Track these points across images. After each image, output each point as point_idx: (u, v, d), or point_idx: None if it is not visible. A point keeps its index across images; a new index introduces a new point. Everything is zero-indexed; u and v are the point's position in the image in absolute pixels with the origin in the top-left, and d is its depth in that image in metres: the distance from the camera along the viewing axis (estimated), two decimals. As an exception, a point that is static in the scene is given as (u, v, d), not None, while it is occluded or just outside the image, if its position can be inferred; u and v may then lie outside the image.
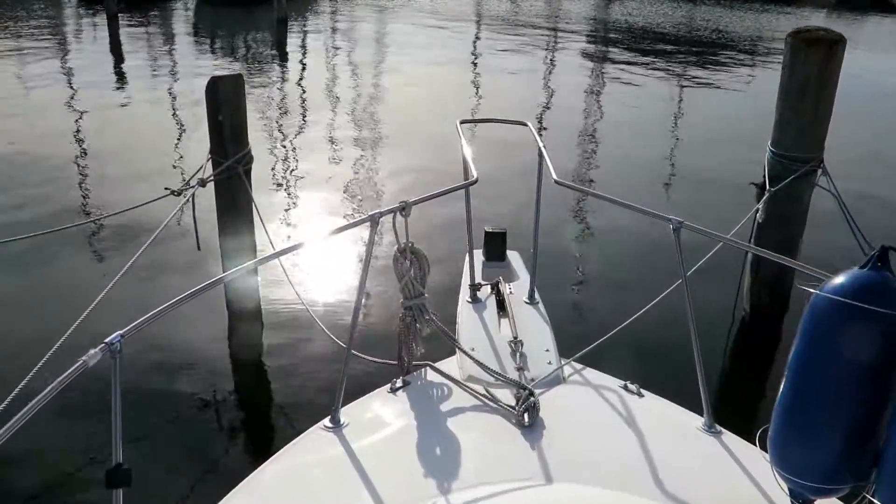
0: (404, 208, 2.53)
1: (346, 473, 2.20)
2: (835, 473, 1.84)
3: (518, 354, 2.77)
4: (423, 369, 2.75)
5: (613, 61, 18.16)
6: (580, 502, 2.08)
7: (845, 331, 1.77)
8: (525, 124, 3.50)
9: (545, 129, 11.21)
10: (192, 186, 4.91)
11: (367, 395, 2.62)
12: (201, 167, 4.99)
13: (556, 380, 2.70)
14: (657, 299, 3.63)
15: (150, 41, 18.91)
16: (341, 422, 2.45)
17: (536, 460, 2.25)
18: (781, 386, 2.07)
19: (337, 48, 19.36)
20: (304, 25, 23.07)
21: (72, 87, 13.44)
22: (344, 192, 8.42)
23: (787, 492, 1.90)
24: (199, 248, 5.51)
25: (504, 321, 3.02)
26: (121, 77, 14.65)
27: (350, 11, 26.92)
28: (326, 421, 2.46)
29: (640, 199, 7.65)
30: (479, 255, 3.52)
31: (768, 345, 5.61)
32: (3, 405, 2.05)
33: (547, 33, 22.84)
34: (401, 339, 2.72)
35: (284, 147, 10.25)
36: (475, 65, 16.99)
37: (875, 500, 1.72)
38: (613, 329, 3.22)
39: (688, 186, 8.94)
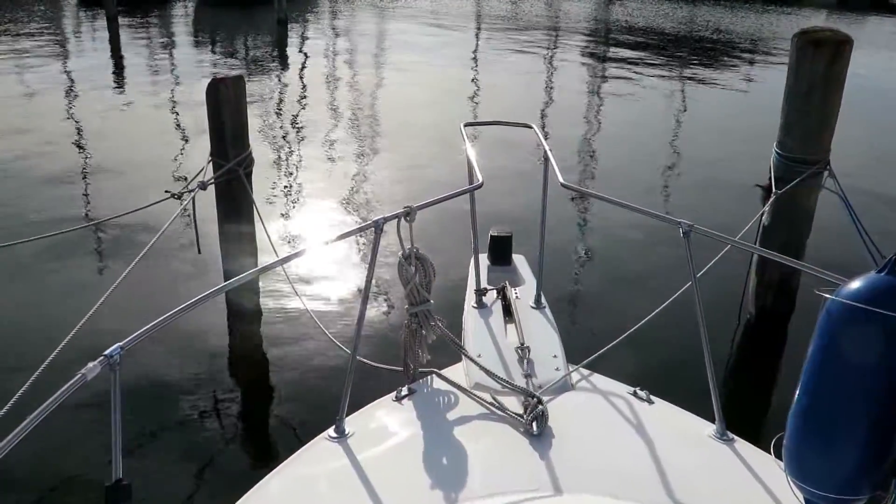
0: (409, 213, 2.48)
1: (351, 485, 2.16)
2: (852, 482, 1.81)
3: (525, 361, 2.72)
4: (428, 377, 2.70)
5: (615, 62, 18.12)
6: None
7: (862, 336, 1.74)
8: (530, 126, 3.47)
9: (548, 131, 11.17)
10: (193, 189, 4.87)
11: (372, 404, 2.57)
12: (202, 170, 4.95)
13: (564, 386, 2.66)
14: (665, 303, 3.59)
15: (149, 43, 18.89)
16: (346, 432, 2.40)
17: (545, 470, 2.21)
18: (796, 392, 2.03)
19: (337, 49, 19.34)
20: (305, 26, 23.06)
21: (71, 89, 13.41)
22: (346, 195, 8.36)
23: (803, 501, 1.86)
24: (199, 252, 5.47)
25: (510, 327, 2.97)
26: (120, 79, 14.61)
27: (350, 12, 26.91)
28: (331, 431, 2.41)
29: (645, 201, 7.66)
30: (483, 259, 3.48)
31: (776, 348, 5.56)
32: None
33: (548, 34, 22.82)
34: (406, 346, 2.67)
35: (286, 149, 10.19)
36: (476, 66, 16.95)
37: None
38: (622, 334, 3.17)
39: (692, 188, 8.89)
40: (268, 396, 4.88)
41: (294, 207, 7.97)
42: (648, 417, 2.49)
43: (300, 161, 9.71)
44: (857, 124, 9.51)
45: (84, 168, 8.97)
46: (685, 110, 13.38)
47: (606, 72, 16.91)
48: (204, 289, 2.15)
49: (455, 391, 2.60)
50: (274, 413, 4.69)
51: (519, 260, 3.59)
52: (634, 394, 2.62)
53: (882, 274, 1.67)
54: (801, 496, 1.85)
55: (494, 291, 3.21)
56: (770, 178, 5.32)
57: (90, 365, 1.71)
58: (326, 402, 4.29)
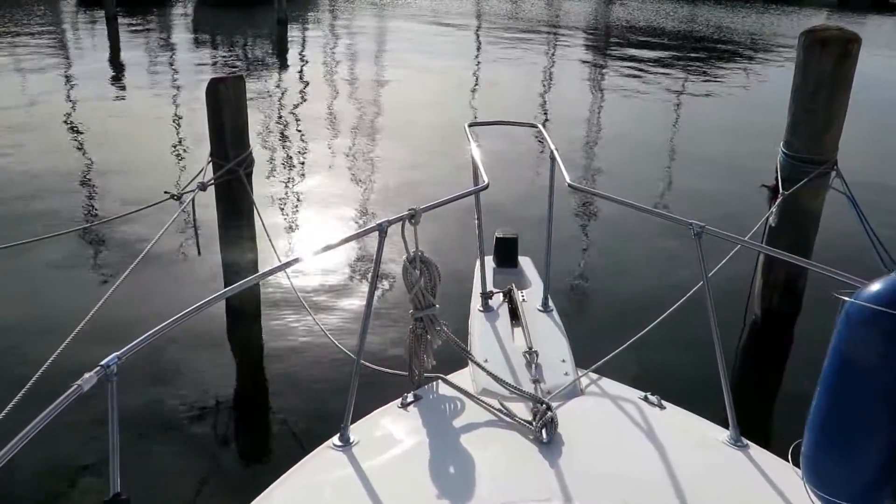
0: (413, 216, 2.43)
1: (357, 495, 2.10)
2: (873, 491, 1.78)
3: (533, 366, 2.67)
4: (434, 382, 2.65)
5: (616, 62, 18.08)
6: None
7: (883, 341, 1.70)
8: (535, 126, 3.42)
9: (551, 131, 11.10)
10: (192, 190, 4.80)
11: (377, 411, 2.51)
12: (201, 170, 4.88)
13: (573, 392, 2.60)
14: (675, 305, 3.52)
15: (149, 43, 18.85)
16: (351, 440, 2.34)
17: (556, 478, 2.16)
18: (814, 398, 1.98)
19: (338, 49, 19.30)
20: (305, 26, 23.02)
21: (70, 89, 13.37)
22: (348, 196, 8.30)
23: None
24: (199, 254, 5.41)
25: (517, 331, 2.92)
26: (119, 79, 14.57)
27: (350, 12, 26.88)
28: (335, 439, 2.35)
29: (650, 201, 7.59)
30: (489, 261, 3.42)
31: (785, 350, 5.50)
32: None
33: (549, 33, 22.80)
34: (411, 351, 2.62)
35: (287, 150, 10.14)
36: (477, 65, 16.91)
37: None
38: (631, 337, 3.11)
39: (696, 189, 8.80)
40: (270, 403, 4.79)
41: (295, 209, 7.90)
42: (660, 423, 2.44)
43: (301, 162, 9.64)
44: (863, 124, 9.44)
45: (82, 169, 8.91)
46: (688, 110, 13.34)
47: (608, 71, 16.87)
48: (204, 292, 2.09)
49: (461, 397, 2.55)
50: (277, 421, 4.59)
51: (525, 262, 3.54)
52: (645, 399, 2.57)
53: (904, 276, 1.63)
54: None
55: (501, 294, 3.16)
56: (776, 179, 5.26)
57: (86, 376, 1.65)
58: (330, 408, 4.24)
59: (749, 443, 2.38)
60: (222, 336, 5.33)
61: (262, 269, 5.34)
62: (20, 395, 2.21)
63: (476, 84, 14.94)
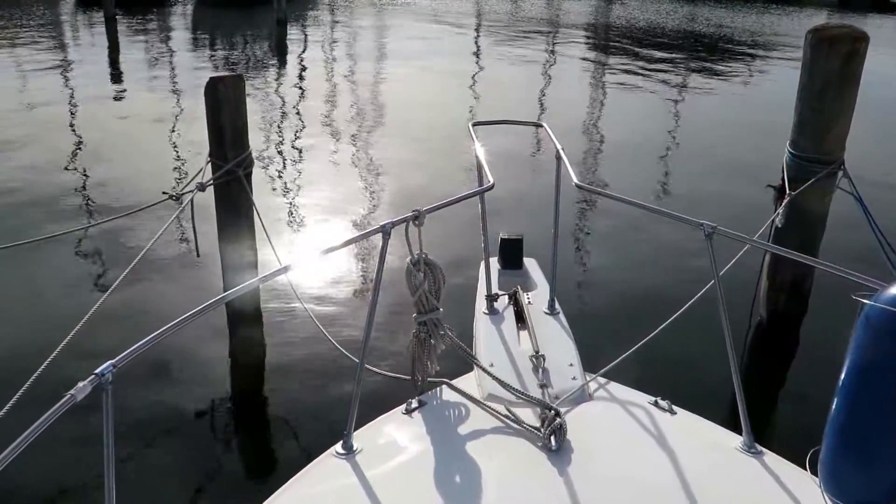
0: (417, 217, 2.37)
1: None
2: (894, 500, 1.72)
3: (540, 370, 2.62)
4: (439, 388, 2.60)
5: (618, 62, 18.04)
6: None
7: None
8: (541, 125, 3.37)
9: (554, 131, 11.04)
10: (191, 191, 4.73)
11: (381, 418, 2.45)
12: (200, 171, 4.81)
13: (581, 397, 2.55)
14: (684, 307, 3.46)
15: (148, 43, 18.80)
16: (354, 448, 2.29)
17: (565, 486, 2.11)
18: (833, 404, 1.93)
19: (338, 49, 19.25)
20: (304, 26, 22.96)
21: (68, 89, 13.30)
22: (350, 197, 8.21)
23: None
24: (198, 255, 5.33)
25: (523, 334, 2.87)
26: (118, 80, 14.52)
27: (349, 12, 26.83)
28: (338, 447, 2.30)
29: (656, 202, 7.50)
30: (494, 263, 3.37)
31: (794, 353, 5.43)
32: None
33: (550, 33, 22.77)
34: (415, 356, 2.57)
35: (287, 151, 10.06)
36: (477, 66, 16.87)
37: None
38: (640, 340, 3.05)
39: (701, 189, 8.72)
40: (272, 410, 4.69)
41: (296, 210, 7.81)
42: (671, 429, 2.39)
43: (302, 163, 9.56)
44: (870, 123, 9.33)
45: (80, 169, 8.84)
46: (690, 110, 13.28)
47: (610, 71, 16.82)
48: (203, 295, 2.03)
49: (467, 403, 2.50)
50: (278, 428, 4.49)
51: (530, 263, 3.49)
52: (656, 404, 2.52)
53: (925, 278, 1.59)
54: None
55: (506, 297, 3.10)
56: (783, 179, 5.19)
57: (80, 385, 1.59)
58: (333, 413, 4.17)
59: (763, 449, 2.33)
60: (222, 340, 5.24)
61: (263, 271, 5.27)
62: (11, 402, 2.15)
63: (478, 83, 14.89)
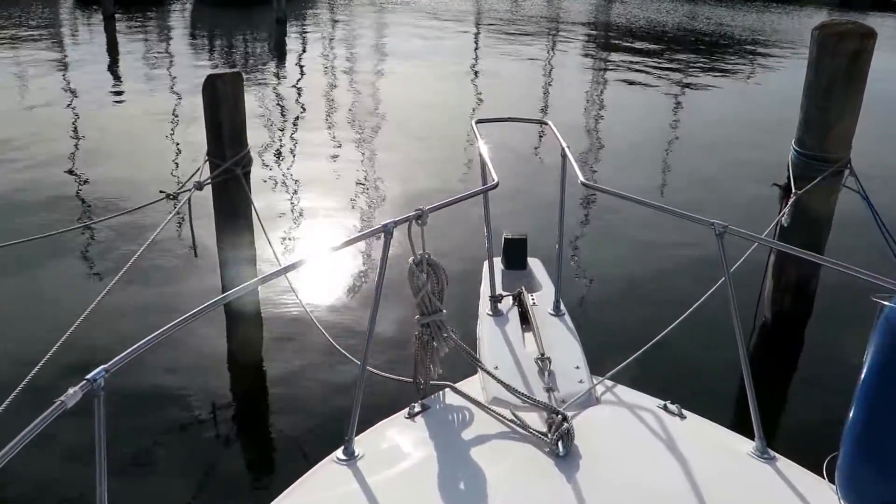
0: (420, 216, 2.31)
1: None
2: None
3: (546, 373, 2.56)
4: (442, 391, 2.54)
5: (619, 60, 17.98)
6: None
7: None
8: (546, 123, 3.32)
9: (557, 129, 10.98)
10: (189, 190, 4.66)
11: (383, 422, 2.39)
12: (198, 169, 4.74)
13: (588, 400, 2.49)
14: (693, 307, 3.39)
15: (147, 42, 18.74)
16: (356, 453, 2.23)
17: (573, 493, 2.05)
18: (851, 408, 1.87)
19: (337, 48, 19.18)
20: (304, 25, 22.89)
21: (67, 89, 13.23)
22: (351, 196, 8.14)
23: None
24: (195, 256, 5.27)
25: (528, 336, 2.81)
26: (117, 78, 14.46)
27: (349, 11, 26.77)
28: (339, 452, 2.24)
29: (659, 201, 7.41)
30: (497, 263, 3.31)
31: (803, 354, 5.36)
32: None
33: (551, 32, 22.71)
34: (417, 359, 2.50)
35: (286, 149, 10.00)
36: (477, 65, 16.80)
37: None
38: (647, 342, 2.99)
39: (705, 188, 8.65)
40: (271, 413, 4.61)
41: (296, 210, 7.74)
42: (681, 434, 2.33)
43: (302, 161, 9.49)
44: (876, 120, 9.24)
45: (77, 168, 8.77)
46: (693, 108, 13.23)
47: (612, 69, 16.76)
48: (201, 296, 1.96)
49: (471, 407, 2.44)
50: (278, 432, 4.40)
51: (534, 263, 3.43)
52: (665, 408, 2.47)
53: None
54: None
55: (510, 298, 3.04)
56: (788, 177, 5.13)
57: (70, 391, 1.52)
58: (334, 417, 4.07)
59: (776, 455, 2.27)
60: (221, 342, 5.17)
61: (262, 271, 5.20)
62: (2, 407, 2.08)
63: (479, 81, 14.84)
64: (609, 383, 2.62)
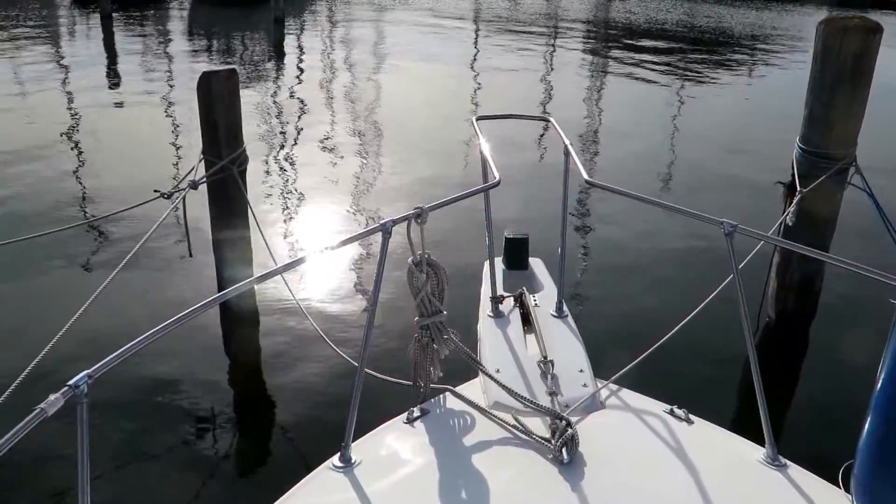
0: (420, 215, 2.24)
1: None
2: None
3: (549, 376, 2.48)
4: (442, 395, 2.47)
5: (619, 58, 17.95)
6: None
7: None
8: (548, 120, 3.25)
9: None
10: (183, 189, 4.58)
11: (381, 428, 2.32)
12: (193, 168, 4.67)
13: (592, 405, 2.42)
14: (699, 307, 3.32)
15: (144, 41, 18.67)
16: (352, 460, 2.15)
17: (578, 502, 1.96)
18: (868, 415, 1.79)
19: (336, 47, 19.13)
20: (302, 24, 22.84)
21: (64, 88, 13.17)
22: (349, 195, 8.07)
23: None
24: (190, 256, 5.19)
25: (530, 338, 2.73)
26: (114, 77, 14.40)
27: (348, 10, 26.71)
28: (335, 459, 2.16)
29: (664, 200, 7.31)
30: (498, 263, 3.24)
31: (806, 356, 5.28)
32: None
33: (550, 31, 22.66)
34: (417, 362, 2.43)
35: (283, 147, 9.93)
36: (477, 63, 16.75)
37: None
38: (652, 344, 2.91)
39: (707, 187, 8.57)
40: (266, 418, 4.52)
41: (293, 209, 7.66)
42: (689, 440, 2.26)
43: (299, 159, 9.41)
44: (881, 117, 9.19)
45: (73, 167, 8.69)
46: (694, 106, 13.19)
47: (612, 67, 16.70)
48: (196, 297, 1.88)
49: (472, 412, 2.37)
50: (273, 437, 4.32)
51: (536, 263, 3.36)
52: (671, 413, 2.39)
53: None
54: None
55: (511, 299, 2.96)
56: (793, 175, 5.06)
57: (51, 398, 1.45)
58: (331, 421, 4.00)
59: (788, 462, 2.19)
60: (216, 343, 5.09)
61: (258, 271, 5.11)
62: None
63: (479, 79, 14.78)
64: (614, 387, 2.55)
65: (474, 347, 2.74)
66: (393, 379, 3.04)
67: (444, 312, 2.38)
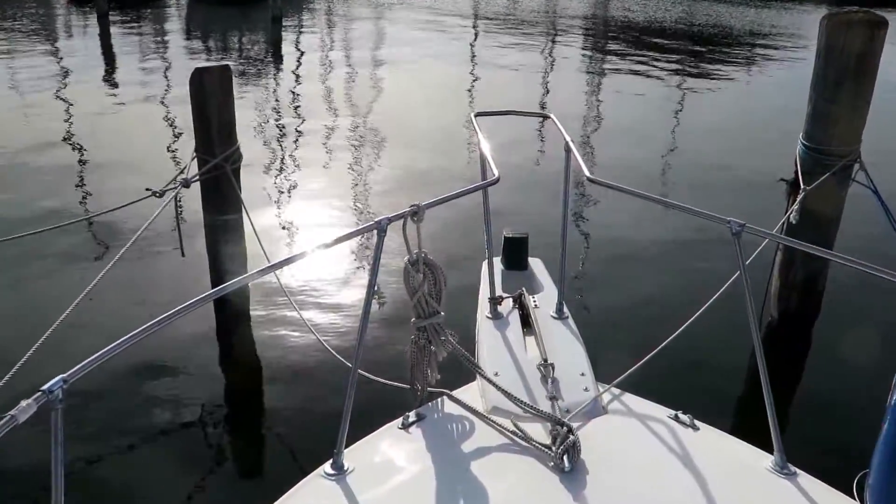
0: (416, 212, 2.17)
1: None
2: None
3: (549, 380, 2.41)
4: (439, 399, 2.39)
5: (619, 56, 17.90)
6: None
7: None
8: (548, 116, 3.17)
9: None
10: (176, 187, 4.50)
11: (375, 433, 2.24)
12: (186, 166, 4.59)
13: (594, 410, 2.34)
14: (702, 309, 3.23)
15: (141, 40, 18.61)
16: (345, 467, 2.08)
17: None
18: (884, 424, 1.71)
19: (334, 45, 19.08)
20: (300, 23, 22.76)
21: (60, 86, 13.10)
22: (344, 192, 8.00)
23: None
24: (183, 255, 5.09)
25: (530, 340, 2.66)
26: (110, 76, 14.35)
27: (346, 9, 26.64)
28: (327, 466, 2.08)
29: (667, 199, 7.23)
30: (497, 263, 3.16)
31: (810, 358, 5.18)
32: None
33: (549, 30, 22.63)
34: (413, 364, 2.36)
35: (278, 145, 9.85)
36: (475, 62, 16.69)
37: None
38: (656, 347, 2.83)
39: (709, 186, 8.48)
40: (258, 421, 4.43)
41: (287, 206, 7.58)
42: (695, 447, 2.18)
43: (294, 157, 9.34)
44: (885, 113, 9.08)
45: (70, 166, 8.63)
46: (696, 102, 13.13)
47: (612, 65, 16.65)
48: (188, 296, 1.81)
49: (470, 416, 2.29)
50: (261, 442, 4.22)
51: (535, 264, 3.28)
52: (676, 418, 2.32)
53: None
54: None
55: (510, 300, 2.88)
56: (796, 172, 4.97)
57: (23, 404, 1.37)
58: (323, 426, 3.83)
59: (798, 470, 2.11)
60: (208, 344, 5.01)
61: (251, 270, 5.03)
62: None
63: (478, 76, 14.72)
64: (616, 391, 2.48)
65: (472, 350, 2.67)
66: (388, 382, 2.96)
67: (442, 313, 2.32)
